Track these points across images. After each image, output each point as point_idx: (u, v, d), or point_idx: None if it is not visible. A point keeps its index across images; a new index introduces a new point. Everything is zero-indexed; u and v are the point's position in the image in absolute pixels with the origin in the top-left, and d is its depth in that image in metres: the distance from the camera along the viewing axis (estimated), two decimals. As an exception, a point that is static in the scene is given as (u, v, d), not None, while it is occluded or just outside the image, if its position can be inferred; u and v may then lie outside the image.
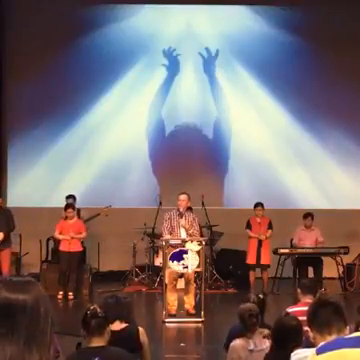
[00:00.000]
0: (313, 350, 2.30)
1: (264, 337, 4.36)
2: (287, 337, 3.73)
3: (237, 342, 4.38)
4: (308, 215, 10.74)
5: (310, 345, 3.18)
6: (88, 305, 3.76)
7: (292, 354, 3.30)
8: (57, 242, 10.50)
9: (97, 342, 3.61)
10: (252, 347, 4.29)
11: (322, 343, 2.28)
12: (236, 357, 4.33)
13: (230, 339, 4.64)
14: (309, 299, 4.92)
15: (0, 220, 9.88)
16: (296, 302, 6.10)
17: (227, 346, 4.65)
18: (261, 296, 5.05)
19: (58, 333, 3.91)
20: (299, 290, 5.46)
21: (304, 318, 4.30)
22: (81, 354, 3.82)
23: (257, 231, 10.65)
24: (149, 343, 4.62)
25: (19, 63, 12.37)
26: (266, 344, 4.22)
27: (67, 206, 10.41)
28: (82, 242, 10.62)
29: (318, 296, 3.45)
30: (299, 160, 12.52)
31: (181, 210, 8.77)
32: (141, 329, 4.56)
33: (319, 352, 2.01)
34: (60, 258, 10.16)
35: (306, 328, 3.95)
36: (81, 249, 10.33)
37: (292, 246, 10.82)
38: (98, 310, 3.67)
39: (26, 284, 1.49)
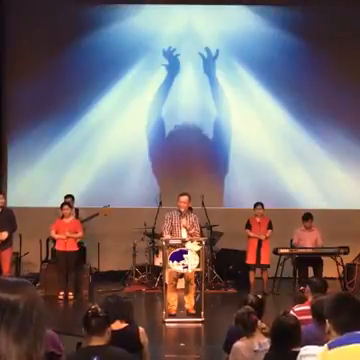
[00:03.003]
0: (324, 346, 2.32)
1: (264, 334, 4.35)
2: (286, 336, 3.74)
3: (240, 343, 4.34)
4: (308, 217, 10.69)
5: (314, 341, 3.19)
6: (89, 305, 3.77)
7: (302, 349, 3.30)
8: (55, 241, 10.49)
9: (97, 341, 3.61)
10: (257, 347, 4.27)
11: (334, 339, 2.31)
12: (241, 358, 4.30)
13: (229, 340, 4.63)
14: None
15: (3, 220, 9.86)
16: (297, 302, 6.08)
17: (227, 347, 4.64)
18: (259, 296, 5.04)
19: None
20: (308, 288, 5.27)
21: (310, 317, 4.31)
22: (81, 353, 3.82)
23: (257, 231, 10.64)
24: (149, 343, 4.62)
25: (19, 63, 12.37)
26: (268, 345, 4.21)
27: (63, 204, 10.40)
28: (82, 242, 10.60)
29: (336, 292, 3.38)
30: (299, 160, 12.51)
31: (182, 211, 8.76)
32: (141, 329, 4.56)
33: (331, 347, 2.03)
34: (57, 258, 10.13)
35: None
36: (77, 249, 10.20)
37: (292, 246, 10.81)
38: (99, 310, 3.68)
39: (19, 285, 1.47)
